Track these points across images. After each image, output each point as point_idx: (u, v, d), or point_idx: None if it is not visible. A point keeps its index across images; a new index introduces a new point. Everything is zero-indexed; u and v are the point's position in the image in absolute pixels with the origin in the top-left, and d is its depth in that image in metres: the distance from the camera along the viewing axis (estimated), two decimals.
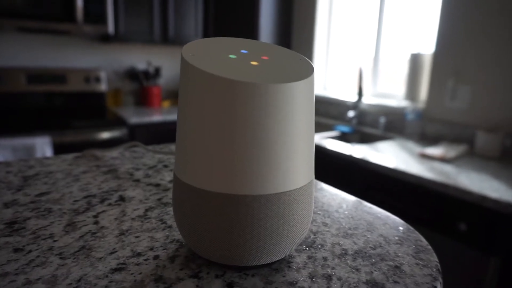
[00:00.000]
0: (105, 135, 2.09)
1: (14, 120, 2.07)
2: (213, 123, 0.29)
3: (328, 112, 2.47)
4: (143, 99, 2.66)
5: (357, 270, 0.34)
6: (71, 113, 2.35)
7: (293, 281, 0.32)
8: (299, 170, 0.31)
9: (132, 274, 0.32)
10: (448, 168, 1.35)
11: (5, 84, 2.19)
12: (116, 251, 0.36)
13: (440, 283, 0.33)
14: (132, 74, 2.65)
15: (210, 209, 0.31)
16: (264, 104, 0.28)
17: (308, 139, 0.32)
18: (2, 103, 2.21)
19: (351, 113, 2.19)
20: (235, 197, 0.30)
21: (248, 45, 0.36)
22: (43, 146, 1.87)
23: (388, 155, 1.52)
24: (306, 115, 0.31)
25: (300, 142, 0.31)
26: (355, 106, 2.18)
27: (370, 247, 0.38)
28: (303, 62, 0.34)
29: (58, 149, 1.96)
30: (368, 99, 2.19)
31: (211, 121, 0.29)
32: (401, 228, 0.43)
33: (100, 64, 2.55)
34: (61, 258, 0.34)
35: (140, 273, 0.32)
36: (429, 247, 0.39)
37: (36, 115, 2.22)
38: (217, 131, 0.29)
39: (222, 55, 0.32)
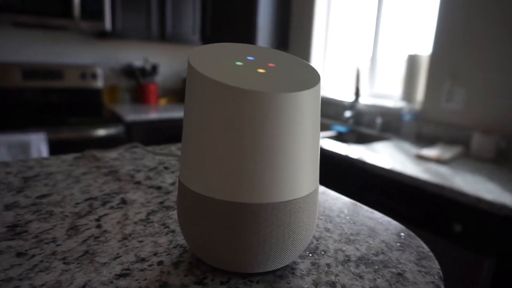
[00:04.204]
0: (101, 132, 2.08)
1: (9, 116, 2.05)
2: (220, 131, 0.29)
3: (325, 112, 2.48)
4: (139, 96, 2.65)
5: (361, 277, 0.34)
6: (67, 110, 2.33)
7: None
8: (305, 179, 0.31)
9: (137, 280, 0.32)
10: (443, 170, 1.36)
11: (0, 80, 2.17)
12: (120, 256, 0.36)
13: None
14: (129, 71, 2.63)
15: (216, 217, 0.31)
16: (272, 113, 0.29)
17: (314, 148, 0.32)
18: None
19: (348, 113, 2.19)
20: (241, 205, 0.30)
21: (254, 51, 0.36)
22: (38, 142, 1.86)
23: (384, 155, 1.52)
24: (312, 124, 0.31)
25: (306, 151, 0.31)
26: (352, 106, 2.18)
27: (373, 253, 0.39)
28: (309, 70, 0.34)
29: (54, 146, 1.95)
30: (365, 100, 2.20)
31: (218, 128, 0.29)
32: (402, 234, 0.44)
33: (97, 60, 2.53)
34: (64, 263, 0.34)
35: (145, 279, 0.32)
36: (431, 253, 0.39)
37: (31, 112, 2.20)
38: (224, 139, 0.29)
39: (229, 62, 0.32)
